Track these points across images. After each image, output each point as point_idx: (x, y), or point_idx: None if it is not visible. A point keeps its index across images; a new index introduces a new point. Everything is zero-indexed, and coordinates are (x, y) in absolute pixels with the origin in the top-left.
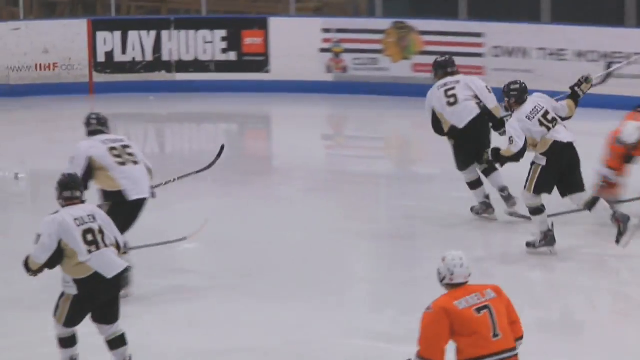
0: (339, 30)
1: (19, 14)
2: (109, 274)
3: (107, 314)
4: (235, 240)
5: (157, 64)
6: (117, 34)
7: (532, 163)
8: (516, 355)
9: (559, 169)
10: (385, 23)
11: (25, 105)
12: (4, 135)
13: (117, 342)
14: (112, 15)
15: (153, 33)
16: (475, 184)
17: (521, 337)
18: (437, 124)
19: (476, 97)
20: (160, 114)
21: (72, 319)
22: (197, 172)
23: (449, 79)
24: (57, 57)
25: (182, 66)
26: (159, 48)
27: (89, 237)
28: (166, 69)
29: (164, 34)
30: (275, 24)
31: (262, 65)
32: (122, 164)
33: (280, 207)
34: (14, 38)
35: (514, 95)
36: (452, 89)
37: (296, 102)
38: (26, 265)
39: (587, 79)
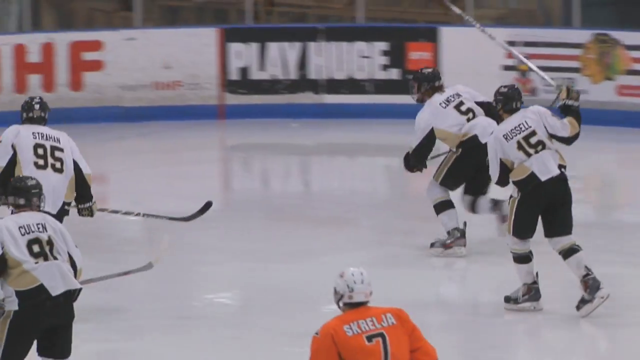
0: (527, 44)
1: (135, 21)
2: (55, 290)
3: (55, 345)
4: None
5: (302, 84)
6: (254, 46)
7: (510, 196)
8: None
9: (539, 206)
10: (584, 35)
11: (141, 132)
12: (116, 169)
13: None
14: (247, 24)
15: (297, 45)
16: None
17: None
18: (427, 149)
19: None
20: (306, 144)
21: (11, 348)
22: (171, 218)
23: (443, 95)
24: (180, 74)
25: (333, 86)
26: (305, 64)
27: (35, 248)
28: (313, 90)
29: (311, 46)
30: (448, 34)
31: None
32: (40, 167)
33: (451, 259)
34: (129, 50)
35: (500, 100)
36: (463, 103)
37: None
38: None
39: (569, 90)
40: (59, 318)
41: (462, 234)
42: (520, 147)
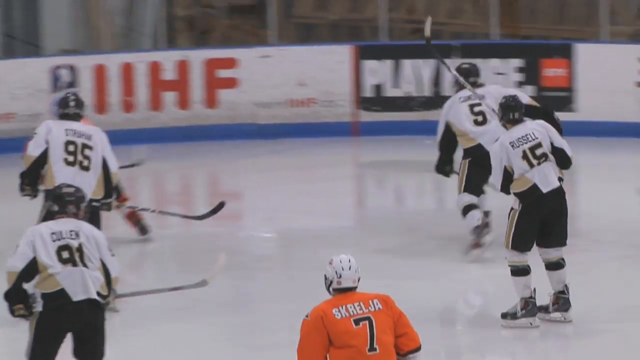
0: None
1: (270, 38)
2: (76, 295)
3: (83, 350)
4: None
5: (437, 100)
6: (388, 63)
7: (511, 209)
8: None
9: (539, 218)
10: None
11: (275, 149)
12: (249, 186)
13: None
14: (382, 40)
15: (432, 62)
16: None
17: (413, 350)
18: (449, 141)
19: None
20: None
21: (37, 347)
22: (184, 216)
23: (468, 92)
24: (315, 91)
25: None
26: (439, 81)
27: (65, 254)
28: None
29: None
30: (583, 51)
31: (565, 102)
32: (70, 163)
33: (589, 278)
34: (263, 67)
35: (500, 110)
36: (479, 104)
37: (607, 149)
38: (6, 296)
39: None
40: (82, 323)
41: (485, 224)
42: (525, 156)
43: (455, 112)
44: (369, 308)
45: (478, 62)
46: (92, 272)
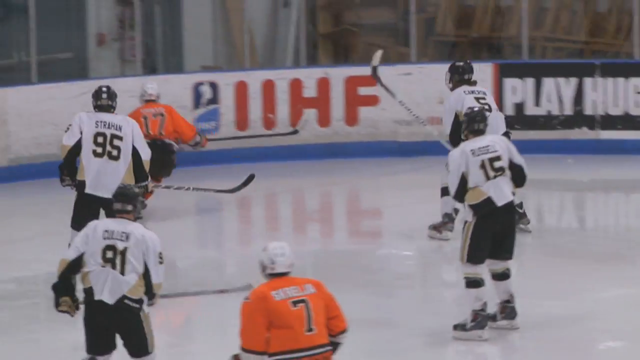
0: None
1: (411, 56)
2: (98, 294)
3: (127, 344)
4: None
5: (578, 119)
6: (529, 82)
7: (465, 222)
8: (330, 351)
9: (493, 231)
10: None
11: (415, 166)
12: (389, 203)
13: None
14: (523, 59)
15: (573, 80)
16: None
17: (343, 331)
18: (458, 130)
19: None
20: (581, 180)
21: (87, 342)
22: (217, 191)
23: (471, 87)
24: None
25: (609, 122)
26: (581, 99)
27: (108, 254)
28: (588, 125)
29: (587, 82)
30: None
31: None
32: (99, 155)
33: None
34: (404, 85)
35: (464, 121)
36: (483, 98)
37: None
38: (54, 287)
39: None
40: (111, 320)
41: (451, 219)
42: (482, 166)
43: (464, 102)
44: (304, 292)
45: (620, 81)
46: (121, 276)
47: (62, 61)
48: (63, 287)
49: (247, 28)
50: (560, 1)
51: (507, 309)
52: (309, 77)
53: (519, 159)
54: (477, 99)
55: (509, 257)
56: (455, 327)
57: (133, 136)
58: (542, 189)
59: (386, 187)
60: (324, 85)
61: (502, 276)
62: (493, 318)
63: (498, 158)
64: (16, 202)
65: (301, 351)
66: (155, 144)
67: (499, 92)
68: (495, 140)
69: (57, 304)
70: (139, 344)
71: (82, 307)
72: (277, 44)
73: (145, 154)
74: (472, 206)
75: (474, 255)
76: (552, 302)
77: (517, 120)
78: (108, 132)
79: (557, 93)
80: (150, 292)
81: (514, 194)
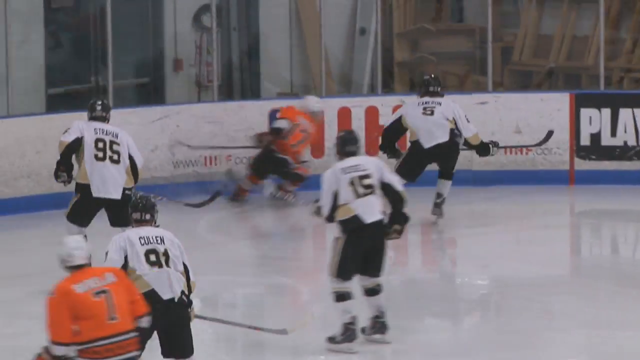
0: None
1: (488, 85)
2: (165, 294)
3: (173, 346)
4: None
5: None
6: (606, 112)
7: (336, 238)
8: (135, 338)
9: (362, 248)
10: None
11: (489, 196)
12: (464, 233)
13: None
14: (600, 89)
15: None
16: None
17: (146, 313)
18: (393, 133)
19: (454, 123)
20: None
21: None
22: (186, 204)
23: (429, 98)
24: (531, 139)
25: None
26: None
27: (152, 257)
28: None
29: None
30: None
31: None
32: (101, 159)
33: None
34: (480, 114)
35: (335, 144)
36: (432, 108)
37: None
38: None
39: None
40: (171, 320)
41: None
42: (352, 184)
43: (408, 110)
44: (104, 281)
45: None
46: (176, 273)
47: (139, 86)
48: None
49: (323, 55)
50: (637, 31)
51: (378, 324)
52: (385, 104)
53: (389, 178)
54: (425, 108)
55: (377, 275)
56: (328, 339)
57: (128, 143)
58: (618, 219)
59: (461, 216)
60: None
61: (372, 292)
62: (364, 331)
63: (367, 176)
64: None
65: (106, 339)
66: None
67: (575, 121)
68: (367, 160)
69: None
70: (189, 342)
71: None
72: (353, 72)
73: (140, 161)
74: (340, 222)
75: (343, 271)
76: (626, 334)
77: (593, 150)
78: (107, 139)
79: (634, 124)
80: (190, 290)
81: (385, 213)
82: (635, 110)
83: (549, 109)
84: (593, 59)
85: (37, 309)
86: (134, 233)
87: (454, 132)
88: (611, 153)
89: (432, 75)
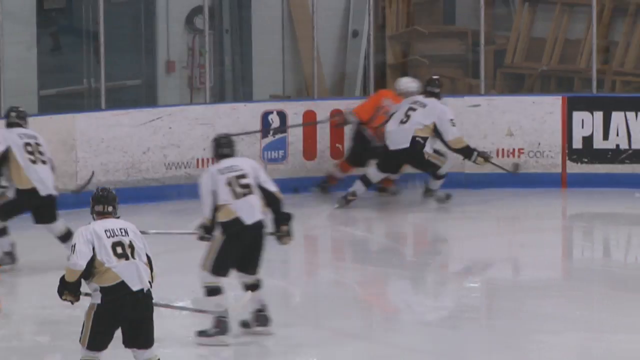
0: None
1: (480, 88)
2: (135, 285)
3: (137, 336)
4: None
5: None
6: (598, 115)
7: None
8: None
9: (241, 248)
10: None
11: (482, 199)
12: (456, 235)
13: None
14: (592, 92)
15: None
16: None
17: None
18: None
19: (435, 126)
20: None
21: (96, 339)
22: (72, 191)
23: (421, 98)
24: (523, 142)
25: None
26: None
27: (119, 250)
28: None
29: None
30: None
31: None
32: (34, 162)
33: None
34: (472, 117)
35: (212, 147)
36: (413, 109)
37: None
38: (63, 284)
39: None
40: (138, 311)
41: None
42: (229, 184)
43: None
44: None
45: None
46: (143, 265)
47: (131, 88)
48: (74, 289)
49: (316, 58)
50: (629, 35)
51: (261, 317)
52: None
53: (264, 179)
54: (409, 109)
55: (255, 272)
56: (199, 333)
57: (45, 147)
58: (610, 222)
59: (453, 218)
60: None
61: (253, 286)
62: (247, 325)
63: (244, 176)
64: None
65: None
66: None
67: (567, 124)
68: (242, 161)
69: (61, 293)
70: (152, 332)
71: (84, 299)
72: (345, 74)
73: (52, 160)
74: (221, 224)
75: (218, 267)
76: (618, 337)
77: (585, 153)
78: (32, 142)
79: (626, 127)
80: (152, 281)
81: (264, 213)
82: (628, 113)
83: (541, 112)
84: (585, 62)
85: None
86: (99, 226)
87: (416, 140)
88: (603, 156)
89: (435, 77)
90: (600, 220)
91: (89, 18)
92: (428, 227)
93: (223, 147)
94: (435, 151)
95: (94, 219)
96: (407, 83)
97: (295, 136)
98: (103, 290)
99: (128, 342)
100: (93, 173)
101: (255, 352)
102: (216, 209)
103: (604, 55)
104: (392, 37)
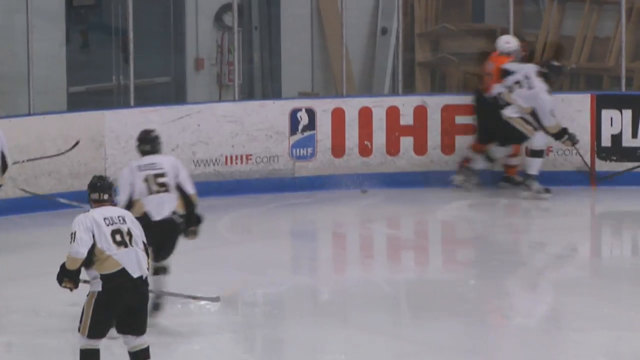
0: None
1: None
2: (135, 272)
3: (133, 323)
4: None
5: None
6: (627, 113)
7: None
8: None
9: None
10: None
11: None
12: (481, 232)
13: (141, 355)
14: (621, 90)
15: None
16: None
17: None
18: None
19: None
20: None
21: (96, 327)
22: (46, 157)
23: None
24: (552, 140)
25: None
26: None
27: (118, 237)
28: None
29: None
30: None
31: None
32: None
33: None
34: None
35: (136, 143)
36: (161, 172)
37: None
38: (63, 272)
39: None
40: (136, 298)
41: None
42: (146, 180)
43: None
44: None
45: None
46: (142, 253)
47: (160, 85)
48: (75, 277)
49: (345, 55)
50: None
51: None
52: (406, 104)
53: (183, 180)
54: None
55: (165, 257)
56: None
57: (3, 142)
58: (638, 220)
59: (482, 216)
60: (421, 113)
61: (160, 269)
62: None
63: (162, 175)
64: None
65: None
66: None
67: (596, 122)
68: (164, 159)
69: (61, 280)
70: (146, 319)
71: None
72: (374, 71)
73: (10, 159)
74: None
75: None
76: None
77: (614, 151)
78: None
79: None
80: (149, 267)
81: (175, 213)
82: None
83: (570, 110)
84: (614, 60)
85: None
86: (97, 213)
87: None
88: (632, 154)
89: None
90: (629, 218)
91: (118, 15)
92: (456, 225)
93: (143, 143)
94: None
95: (92, 207)
96: (507, 43)
97: (323, 133)
98: (104, 277)
99: (123, 329)
100: (77, 142)
101: (282, 348)
102: (130, 203)
103: (633, 53)
104: (421, 34)
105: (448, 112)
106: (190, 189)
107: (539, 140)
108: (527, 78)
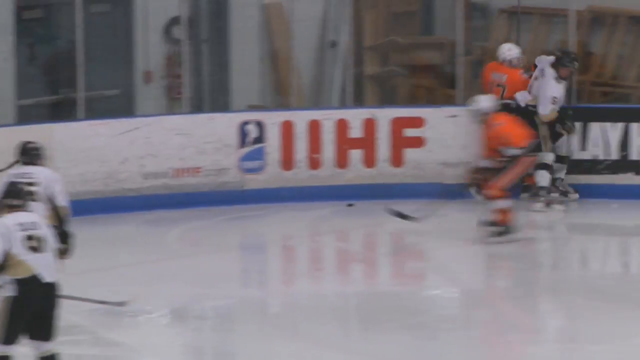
0: None
1: (457, 98)
2: (46, 277)
3: (43, 329)
4: None
5: (623, 164)
6: (576, 126)
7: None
8: None
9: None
10: None
11: (462, 208)
12: (434, 246)
13: None
14: (571, 104)
15: (619, 126)
16: None
17: None
18: None
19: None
20: (625, 225)
21: (10, 332)
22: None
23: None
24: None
25: None
26: (627, 144)
27: (31, 243)
28: (634, 171)
29: (634, 127)
30: None
31: None
32: None
33: None
34: (450, 127)
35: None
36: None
37: None
38: None
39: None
40: (47, 303)
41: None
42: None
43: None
44: None
45: None
46: (52, 258)
47: (109, 98)
48: None
49: (293, 68)
50: (606, 47)
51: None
52: (355, 117)
53: (55, 192)
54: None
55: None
56: None
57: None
58: (587, 233)
59: (430, 229)
60: (369, 126)
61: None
62: None
63: (35, 184)
64: None
65: None
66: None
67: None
68: (39, 170)
69: None
70: (55, 326)
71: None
72: (323, 84)
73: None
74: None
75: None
76: (595, 347)
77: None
78: None
79: (603, 138)
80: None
81: (52, 225)
82: (605, 124)
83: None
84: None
85: None
86: (10, 220)
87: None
88: (581, 167)
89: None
90: (577, 231)
91: (67, 28)
92: (405, 238)
93: (23, 154)
94: None
95: (6, 213)
96: (508, 51)
97: (272, 146)
98: (17, 282)
99: (33, 334)
100: (17, 161)
101: None
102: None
103: (582, 66)
104: (370, 47)
105: (397, 124)
106: (61, 201)
107: (548, 156)
108: (541, 70)
